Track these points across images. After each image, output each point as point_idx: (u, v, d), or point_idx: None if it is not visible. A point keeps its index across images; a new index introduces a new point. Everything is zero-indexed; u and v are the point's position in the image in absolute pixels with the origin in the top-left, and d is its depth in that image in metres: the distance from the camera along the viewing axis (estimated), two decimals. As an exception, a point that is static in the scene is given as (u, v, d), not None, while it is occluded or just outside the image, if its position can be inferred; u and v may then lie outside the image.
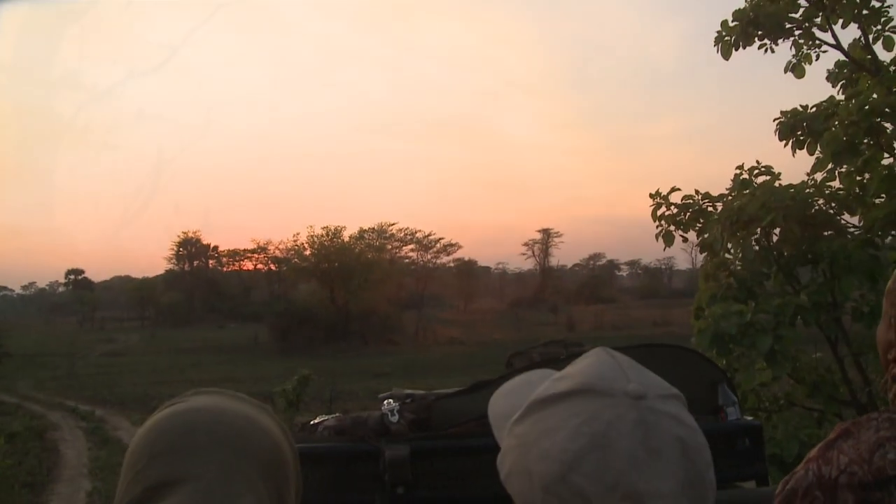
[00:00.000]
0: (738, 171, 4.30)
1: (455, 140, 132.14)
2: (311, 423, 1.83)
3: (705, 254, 4.48)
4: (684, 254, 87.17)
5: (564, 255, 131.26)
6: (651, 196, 4.54)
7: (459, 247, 61.96)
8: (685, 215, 4.43)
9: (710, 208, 4.33)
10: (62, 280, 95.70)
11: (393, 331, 46.73)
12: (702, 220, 4.37)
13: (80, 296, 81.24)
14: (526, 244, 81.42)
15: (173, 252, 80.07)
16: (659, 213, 4.51)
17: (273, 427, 1.01)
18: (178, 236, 79.35)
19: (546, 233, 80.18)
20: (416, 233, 57.57)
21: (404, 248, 57.67)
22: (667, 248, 4.52)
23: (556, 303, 55.12)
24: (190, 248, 79.75)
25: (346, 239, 49.76)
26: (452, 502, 1.71)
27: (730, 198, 4.29)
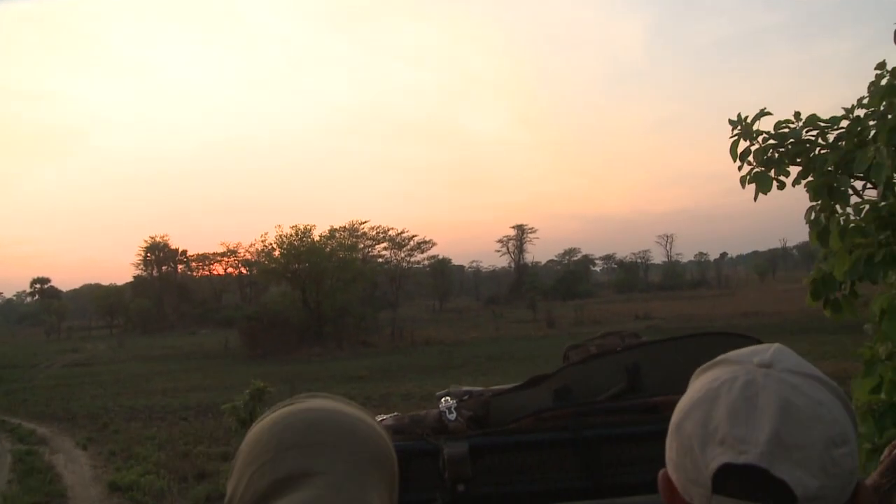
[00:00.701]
0: (878, 72, 3.00)
1: (424, 139, 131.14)
2: None
3: (816, 203, 3.04)
4: (659, 247, 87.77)
5: (539, 252, 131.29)
6: (731, 124, 3.21)
7: (433, 243, 61.13)
8: (776, 152, 3.10)
9: (818, 139, 3.00)
10: (28, 290, 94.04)
11: (368, 332, 45.57)
12: (801, 157, 3.03)
13: (46, 305, 79.55)
14: (500, 241, 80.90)
15: (141, 258, 78.49)
16: (741, 149, 3.16)
17: (382, 429, 1.00)
18: (145, 241, 77.75)
19: (520, 229, 79.61)
20: (388, 230, 56.53)
21: (377, 246, 56.57)
22: (758, 196, 3.10)
23: (533, 299, 54.07)
24: (157, 254, 78.24)
25: (317, 238, 48.17)
26: (513, 498, 1.67)
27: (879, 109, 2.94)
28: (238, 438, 8.72)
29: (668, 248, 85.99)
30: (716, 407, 0.84)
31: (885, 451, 1.13)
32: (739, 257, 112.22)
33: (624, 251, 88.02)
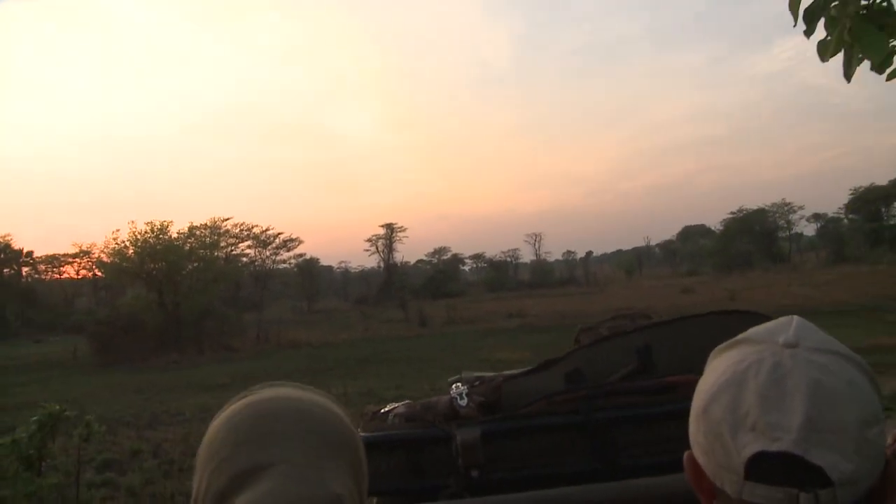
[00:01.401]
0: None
1: (292, 139, 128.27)
2: (382, 411, 1.83)
3: None
4: (528, 246, 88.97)
5: (409, 251, 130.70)
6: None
7: (300, 241, 59.07)
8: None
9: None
10: None
11: (231, 335, 43.07)
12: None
13: None
14: (369, 240, 79.62)
15: (-22, 260, 72.37)
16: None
17: (344, 413, 0.99)
18: (-17, 242, 71.76)
19: (389, 228, 78.66)
20: (252, 228, 54.02)
21: (241, 244, 53.86)
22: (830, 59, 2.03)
23: (403, 299, 53.06)
24: (-2, 255, 72.41)
25: (175, 236, 45.09)
26: (527, 482, 1.66)
27: None
28: (21, 483, 6.66)
29: (536, 246, 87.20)
30: (744, 391, 0.82)
31: (890, 438, 1.06)
32: (605, 255, 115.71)
33: (493, 250, 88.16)
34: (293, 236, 57.84)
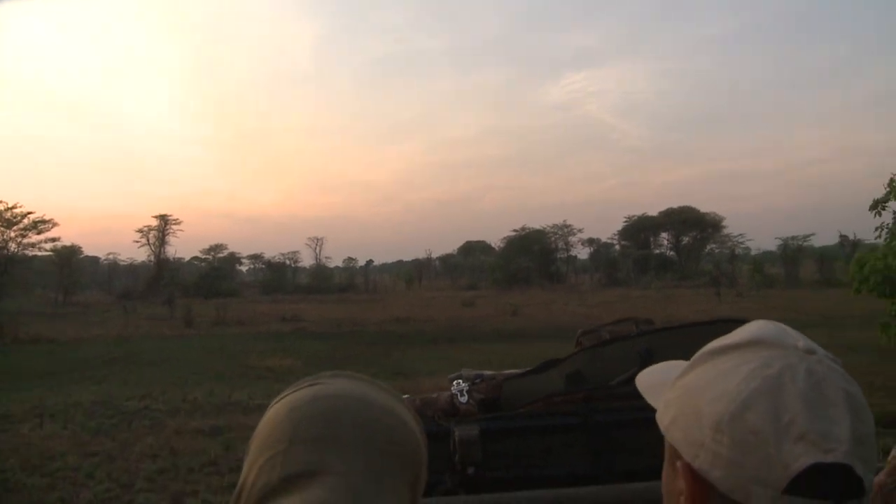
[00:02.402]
0: None
1: (74, 117, 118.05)
2: None
3: None
4: (308, 249, 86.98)
5: (184, 247, 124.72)
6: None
7: (54, 224, 53.03)
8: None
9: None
10: None
11: (-38, 328, 37.76)
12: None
13: None
14: (140, 230, 74.19)
15: None
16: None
17: (412, 421, 0.95)
18: None
19: (163, 219, 73.80)
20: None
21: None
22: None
23: (171, 295, 49.38)
24: None
25: None
26: (523, 481, 1.75)
27: None
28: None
29: (317, 251, 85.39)
30: (785, 397, 0.78)
31: (893, 452, 1.11)
32: (386, 265, 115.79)
33: (273, 252, 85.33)
34: (45, 217, 51.99)
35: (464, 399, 1.73)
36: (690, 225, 70.41)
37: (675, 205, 72.63)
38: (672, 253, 72.75)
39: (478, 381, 1.81)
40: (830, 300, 34.74)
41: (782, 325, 0.88)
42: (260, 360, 18.97)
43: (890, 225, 11.78)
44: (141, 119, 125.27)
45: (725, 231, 70.10)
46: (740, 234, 68.84)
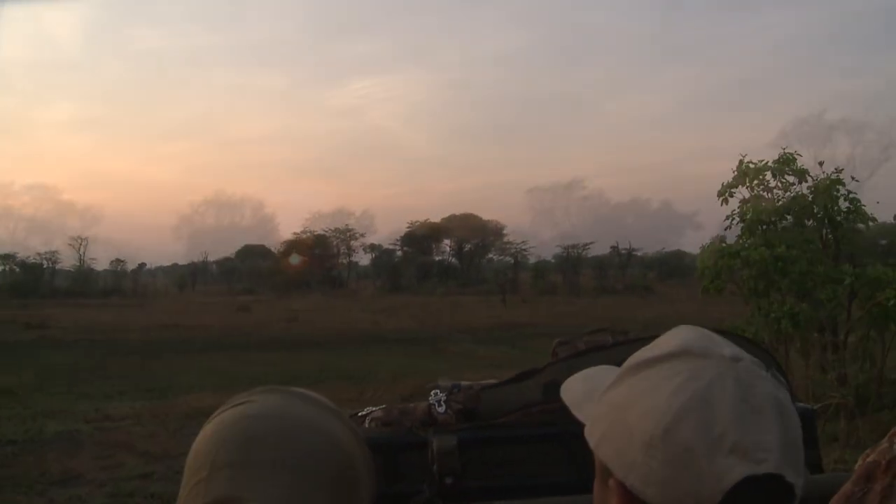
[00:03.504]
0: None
1: None
2: (358, 414, 1.87)
3: None
4: (71, 249, 79.85)
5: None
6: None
7: None
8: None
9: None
10: None
11: None
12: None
13: None
14: None
15: None
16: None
17: (346, 437, 0.96)
18: None
19: None
20: None
21: None
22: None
23: None
24: None
25: None
26: (501, 492, 1.72)
27: None
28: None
29: (81, 251, 78.66)
30: (715, 411, 0.78)
31: (860, 460, 1.14)
32: (160, 268, 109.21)
33: (27, 251, 77.64)
34: None
35: (442, 409, 1.60)
36: (472, 232, 71.40)
37: (458, 212, 73.39)
38: (454, 259, 73.41)
39: (455, 390, 1.63)
40: (610, 307, 35.47)
41: (707, 332, 0.88)
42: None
43: (738, 213, 10.50)
44: None
45: (507, 238, 71.63)
46: (523, 242, 70.57)
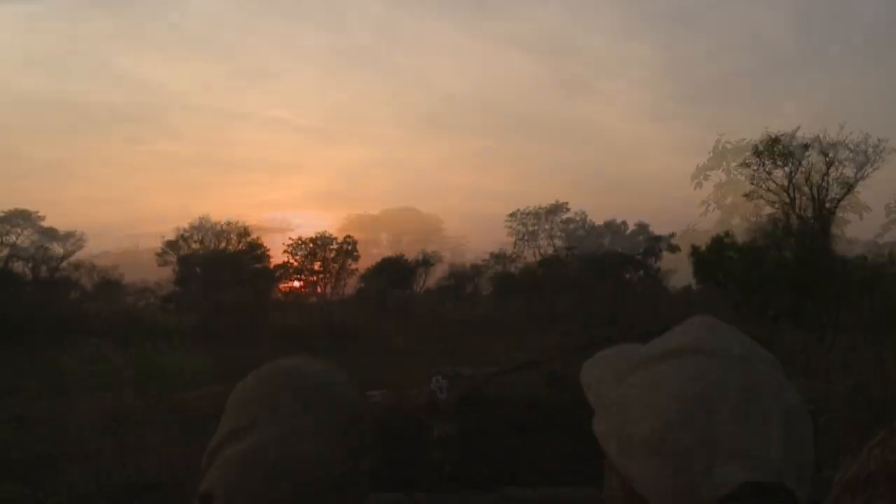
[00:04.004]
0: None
1: None
2: None
3: None
4: None
5: None
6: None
7: None
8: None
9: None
10: None
11: None
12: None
13: None
14: None
15: None
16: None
17: (349, 386, 1.08)
18: None
19: None
20: None
21: None
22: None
23: None
24: None
25: None
26: (500, 478, 1.52)
27: None
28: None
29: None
30: (716, 415, 0.76)
31: (837, 477, 1.06)
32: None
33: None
34: None
35: (443, 396, 1.75)
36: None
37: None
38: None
39: (457, 378, 1.83)
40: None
41: (720, 327, 0.85)
42: None
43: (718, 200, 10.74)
44: None
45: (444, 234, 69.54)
46: (462, 236, 68.05)
